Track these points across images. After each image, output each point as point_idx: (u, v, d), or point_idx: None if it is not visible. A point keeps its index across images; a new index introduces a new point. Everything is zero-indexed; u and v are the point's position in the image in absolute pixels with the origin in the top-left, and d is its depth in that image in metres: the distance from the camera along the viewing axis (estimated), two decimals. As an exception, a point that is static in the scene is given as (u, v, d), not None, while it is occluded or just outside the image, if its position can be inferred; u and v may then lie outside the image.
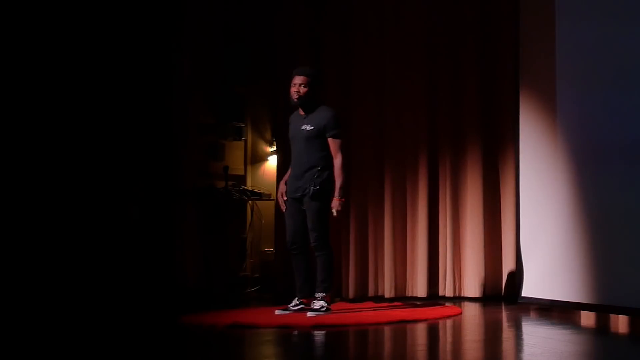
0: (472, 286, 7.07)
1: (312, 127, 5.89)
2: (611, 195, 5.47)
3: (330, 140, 5.90)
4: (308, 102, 5.94)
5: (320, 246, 5.86)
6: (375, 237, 7.34)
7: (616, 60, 5.49)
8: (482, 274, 7.06)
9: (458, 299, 7.09)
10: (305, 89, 5.91)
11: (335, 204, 5.82)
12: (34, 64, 6.83)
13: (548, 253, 6.01)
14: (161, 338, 5.05)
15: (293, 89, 5.93)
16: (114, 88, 7.20)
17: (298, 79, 5.93)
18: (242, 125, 8.00)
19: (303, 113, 5.97)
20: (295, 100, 5.93)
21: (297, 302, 5.95)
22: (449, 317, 5.86)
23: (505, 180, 7.06)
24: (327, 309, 5.79)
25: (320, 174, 5.86)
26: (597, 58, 5.64)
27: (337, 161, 5.88)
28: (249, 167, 8.13)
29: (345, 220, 7.30)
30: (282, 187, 6.08)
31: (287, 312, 5.86)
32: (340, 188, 5.85)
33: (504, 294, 6.93)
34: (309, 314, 5.72)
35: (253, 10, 7.92)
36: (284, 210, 6.03)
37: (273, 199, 7.64)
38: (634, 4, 5.39)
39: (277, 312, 5.86)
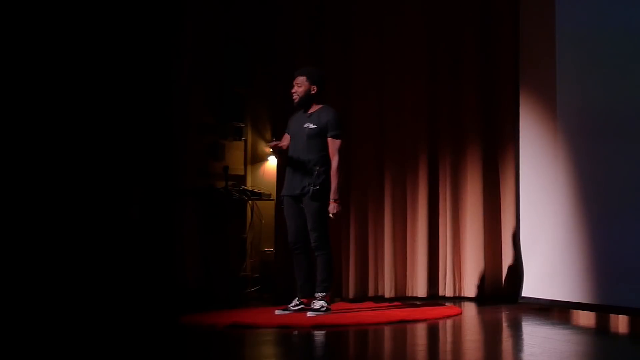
0: (472, 286, 7.08)
1: (315, 126, 5.90)
2: (611, 195, 5.47)
3: (330, 140, 5.90)
4: (307, 101, 5.96)
5: (320, 246, 5.86)
6: (375, 237, 7.34)
7: (617, 60, 5.49)
8: (482, 274, 7.06)
9: (458, 299, 7.09)
10: (302, 88, 5.94)
11: (332, 208, 5.83)
12: (35, 65, 6.83)
13: (548, 253, 6.01)
14: (161, 338, 5.05)
15: (292, 91, 5.97)
16: (114, 88, 7.20)
17: (295, 80, 5.97)
18: (242, 125, 8.00)
19: (306, 112, 5.98)
20: (295, 101, 5.96)
21: (297, 302, 5.95)
22: (449, 317, 5.86)
23: (505, 180, 7.06)
24: (327, 309, 5.79)
25: (320, 173, 5.86)
26: (598, 58, 5.64)
27: (334, 162, 5.88)
28: (249, 167, 8.13)
29: (345, 220, 7.30)
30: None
31: (287, 312, 5.86)
32: (335, 190, 5.85)
33: (504, 294, 6.93)
34: (309, 314, 5.72)
35: (253, 11, 7.92)
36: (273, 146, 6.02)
37: (273, 199, 7.64)
38: (634, 4, 5.39)
39: (277, 312, 5.86)
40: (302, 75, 5.99)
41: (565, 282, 5.78)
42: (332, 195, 5.83)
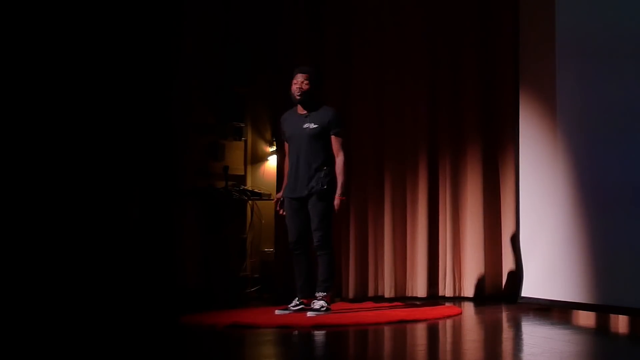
0: (472, 286, 7.07)
1: (317, 126, 5.91)
2: (611, 195, 5.47)
3: (333, 138, 5.93)
4: (309, 100, 5.96)
5: (323, 245, 5.87)
6: (375, 237, 7.34)
7: (617, 59, 5.49)
8: (482, 274, 7.06)
9: (458, 299, 7.09)
10: (308, 86, 5.94)
11: (337, 203, 5.84)
12: (34, 64, 6.83)
13: (548, 253, 6.01)
14: (161, 338, 5.05)
15: (295, 86, 5.95)
16: (114, 88, 7.20)
17: (300, 77, 5.96)
18: (242, 125, 8.00)
19: (304, 111, 5.98)
20: (298, 96, 5.95)
21: (297, 302, 5.95)
22: (449, 317, 5.86)
23: (505, 180, 7.05)
24: (327, 309, 5.79)
25: (327, 173, 5.88)
26: (598, 57, 5.64)
27: (340, 159, 5.91)
28: (249, 167, 8.13)
29: (345, 220, 7.30)
30: (280, 194, 6.10)
31: (287, 312, 5.86)
32: (342, 186, 5.87)
33: (503, 294, 6.93)
34: (309, 314, 5.72)
35: (253, 10, 7.92)
36: (282, 213, 6.06)
37: (273, 199, 7.64)
38: (634, 3, 5.39)
39: (277, 312, 5.86)
40: (305, 73, 5.98)
41: (565, 282, 5.78)
42: (338, 191, 5.85)
